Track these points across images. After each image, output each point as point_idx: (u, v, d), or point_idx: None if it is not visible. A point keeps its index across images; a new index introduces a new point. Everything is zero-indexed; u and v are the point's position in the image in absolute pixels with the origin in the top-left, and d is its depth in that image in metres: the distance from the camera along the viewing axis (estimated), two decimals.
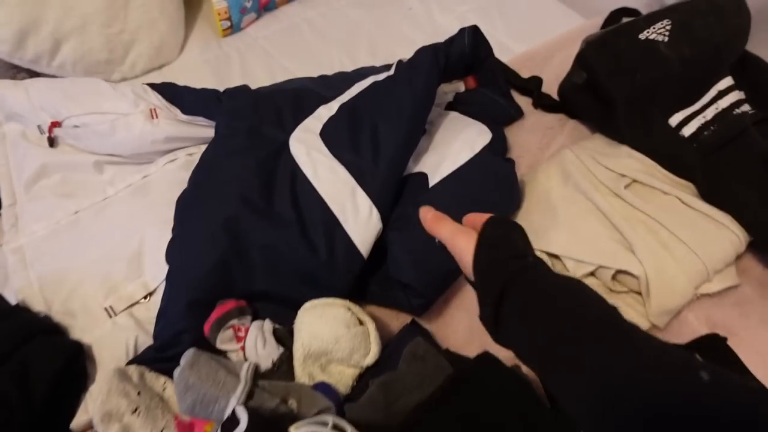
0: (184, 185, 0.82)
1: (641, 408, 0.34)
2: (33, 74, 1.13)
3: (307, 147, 0.77)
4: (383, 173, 0.74)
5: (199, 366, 0.61)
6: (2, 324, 0.67)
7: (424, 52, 0.87)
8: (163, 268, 0.74)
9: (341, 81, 0.90)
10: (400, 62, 0.89)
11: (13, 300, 0.75)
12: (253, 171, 0.74)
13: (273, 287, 0.71)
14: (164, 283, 0.74)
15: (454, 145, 0.82)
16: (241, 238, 0.70)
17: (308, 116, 0.82)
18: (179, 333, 0.67)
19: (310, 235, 0.72)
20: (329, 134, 0.79)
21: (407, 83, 0.82)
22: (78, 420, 0.68)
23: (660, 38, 0.89)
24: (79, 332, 0.72)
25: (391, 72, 0.88)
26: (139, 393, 0.62)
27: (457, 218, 0.54)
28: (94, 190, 0.88)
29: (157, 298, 0.74)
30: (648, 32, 0.90)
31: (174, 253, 0.70)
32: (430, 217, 0.54)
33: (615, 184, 0.83)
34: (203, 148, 0.91)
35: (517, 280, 0.44)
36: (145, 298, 0.75)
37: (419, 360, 0.64)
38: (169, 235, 0.75)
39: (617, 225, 0.78)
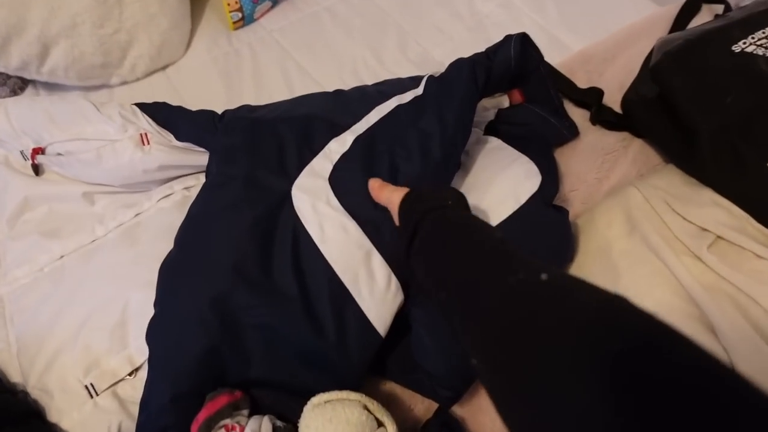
0: (165, 227, 0.71)
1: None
2: (25, 81, 1.02)
3: (313, 199, 0.64)
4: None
5: None
6: None
7: (459, 68, 0.71)
8: (138, 346, 0.64)
9: (359, 101, 0.75)
10: (430, 79, 0.73)
11: None
12: (249, 232, 0.61)
13: (273, 374, 0.60)
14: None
15: (494, 190, 0.67)
16: (233, 319, 0.58)
17: (316, 154, 0.68)
18: (166, 428, 0.57)
19: (316, 312, 0.60)
20: (340, 179, 0.66)
21: (436, 111, 0.67)
22: None
23: (760, 52, 0.70)
24: (56, 414, 0.63)
25: (419, 90, 0.73)
26: None
27: None
28: (83, 228, 0.77)
29: (144, 374, 0.64)
30: (744, 43, 0.72)
31: (156, 335, 0.59)
32: (376, 187, 0.62)
33: (695, 242, 0.67)
34: (202, 178, 0.80)
35: (427, 218, 0.51)
36: (130, 374, 0.65)
37: None
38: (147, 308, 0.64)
39: (696, 297, 0.63)
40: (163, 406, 0.57)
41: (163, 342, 0.59)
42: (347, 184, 0.65)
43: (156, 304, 0.61)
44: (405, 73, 0.94)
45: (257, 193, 0.64)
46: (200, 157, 0.78)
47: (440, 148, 0.65)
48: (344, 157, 0.68)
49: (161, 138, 0.78)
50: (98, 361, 0.65)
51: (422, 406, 0.66)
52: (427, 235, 0.51)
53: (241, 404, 0.59)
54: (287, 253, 0.61)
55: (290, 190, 0.65)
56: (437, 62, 1.03)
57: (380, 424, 0.58)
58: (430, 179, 0.65)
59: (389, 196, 0.60)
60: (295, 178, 0.66)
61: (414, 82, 0.78)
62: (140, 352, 0.65)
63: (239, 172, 0.66)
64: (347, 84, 0.89)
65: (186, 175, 0.81)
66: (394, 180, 0.65)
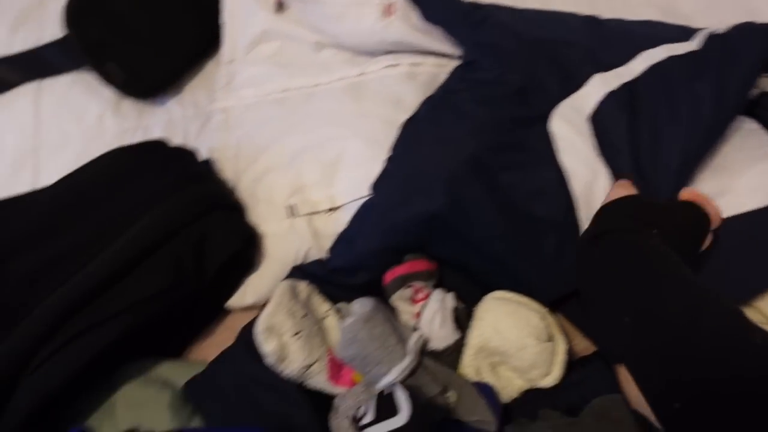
0: (401, 102, 0.72)
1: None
2: None
3: (572, 133, 0.62)
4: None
5: (373, 323, 0.55)
6: (193, 187, 0.65)
7: (750, 33, 0.65)
8: (356, 188, 0.67)
9: (622, 39, 0.71)
10: (713, 36, 0.67)
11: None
12: (502, 127, 0.61)
13: (476, 260, 0.61)
14: (352, 204, 0.67)
15: (746, 176, 0.63)
16: (465, 198, 0.59)
17: (578, 85, 0.65)
18: (358, 268, 0.61)
19: (541, 233, 0.60)
20: (601, 123, 0.63)
21: (716, 75, 0.62)
22: (233, 301, 0.67)
23: None
24: (256, 219, 0.69)
25: (694, 45, 0.68)
26: (304, 315, 0.58)
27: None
28: (308, 71, 0.81)
29: (340, 215, 0.68)
30: None
31: (385, 186, 0.62)
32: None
33: None
34: (429, 60, 0.80)
35: (619, 234, 0.47)
36: (327, 211, 0.69)
37: (610, 423, 0.53)
38: (372, 155, 0.67)
39: None
40: (369, 250, 0.61)
41: (391, 194, 0.61)
42: (608, 133, 0.62)
43: (392, 159, 0.64)
44: (647, 16, 0.86)
45: (523, 107, 0.63)
46: (436, 44, 0.78)
47: (711, 118, 0.61)
48: (608, 102, 0.65)
49: (406, 13, 0.78)
50: (304, 188, 0.70)
51: (582, 345, 0.66)
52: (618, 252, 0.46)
53: (434, 276, 0.62)
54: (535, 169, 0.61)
55: (548, 113, 0.64)
56: (683, 15, 0.92)
57: (550, 339, 0.60)
58: (692, 152, 0.61)
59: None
60: (555, 104, 0.64)
61: (682, 32, 0.72)
62: (343, 195, 0.69)
63: (514, 81, 0.64)
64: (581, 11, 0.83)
65: (415, 54, 0.82)
66: (655, 144, 0.61)
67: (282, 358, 0.56)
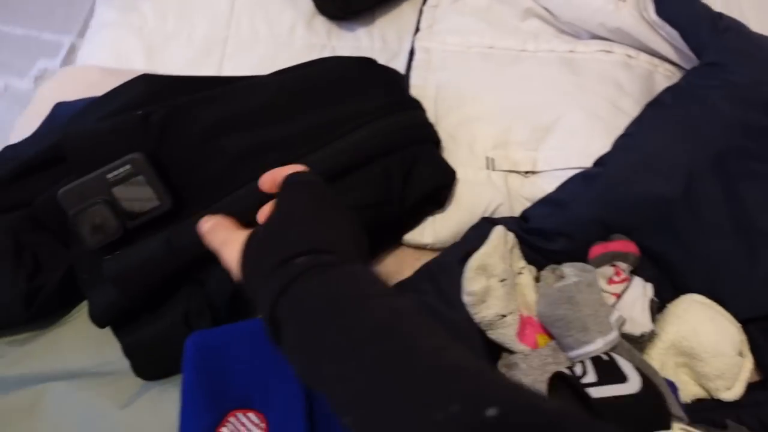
0: (621, 86, 0.71)
1: None
2: None
3: None
4: None
5: (593, 289, 0.54)
6: (411, 112, 0.65)
7: None
8: (564, 157, 0.66)
9: None
10: None
11: None
12: (753, 138, 0.59)
13: (681, 260, 0.60)
14: (553, 172, 0.67)
15: None
16: (701, 192, 0.58)
17: None
18: (562, 234, 0.60)
19: (761, 246, 0.58)
20: None
21: None
22: (411, 237, 0.66)
23: None
24: (454, 161, 0.68)
25: None
26: (509, 265, 0.57)
27: None
28: (514, 35, 0.80)
29: (538, 180, 0.67)
30: None
31: (618, 161, 0.61)
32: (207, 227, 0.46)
33: None
34: (642, 56, 0.77)
35: (298, 284, 0.35)
36: (526, 173, 0.68)
37: None
38: (592, 129, 0.66)
39: None
40: (581, 218, 0.60)
41: (625, 169, 0.60)
42: None
43: (630, 136, 0.63)
44: None
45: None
46: (659, 43, 0.77)
47: None
48: None
49: (641, 3, 0.76)
50: (507, 144, 0.69)
51: None
52: (301, 315, 0.34)
53: (637, 261, 0.61)
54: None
55: None
56: None
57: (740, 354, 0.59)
58: None
59: (221, 251, 0.43)
60: None
61: None
62: (545, 162, 0.68)
63: (762, 86, 0.62)
64: None
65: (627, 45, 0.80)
66: None
67: (482, 300, 0.56)
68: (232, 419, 0.48)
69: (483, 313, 0.56)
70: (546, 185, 0.67)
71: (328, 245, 0.38)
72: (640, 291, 0.58)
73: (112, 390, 0.52)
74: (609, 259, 0.59)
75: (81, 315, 0.58)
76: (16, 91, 1.63)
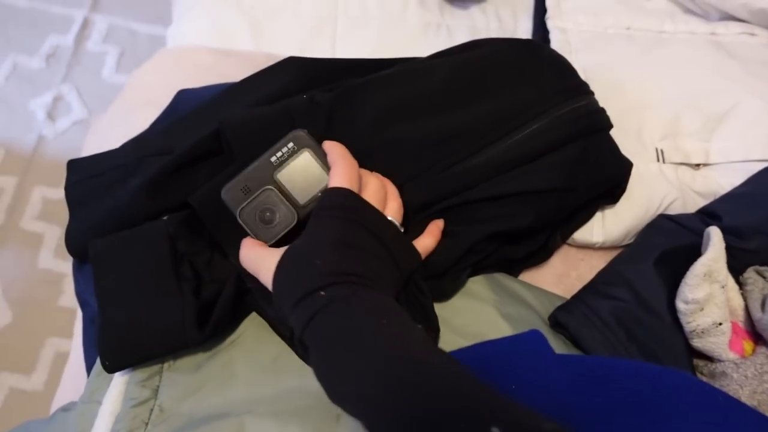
0: None
1: None
2: None
3: None
4: None
5: None
6: (589, 98, 0.59)
7: None
8: (741, 148, 0.62)
9: None
10: None
11: None
12: None
13: None
14: (728, 165, 0.62)
15: None
16: None
17: None
18: (758, 231, 0.56)
19: None
20: None
21: None
22: (578, 235, 0.61)
23: None
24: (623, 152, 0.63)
25: None
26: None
27: None
28: (647, 15, 0.75)
29: (711, 173, 0.63)
30: None
31: None
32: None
33: None
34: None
35: (307, 329, 0.38)
36: (697, 165, 0.64)
37: None
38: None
39: None
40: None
41: None
42: None
43: None
44: None
45: None
46: None
47: None
48: None
49: None
50: (677, 135, 0.64)
51: None
52: (323, 343, 0.38)
53: None
54: None
55: None
56: None
57: None
58: None
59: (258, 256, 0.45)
60: None
61: None
62: (721, 154, 0.63)
63: None
64: None
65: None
66: None
67: (700, 308, 0.51)
68: None
69: (699, 321, 0.52)
70: (722, 179, 0.62)
71: (351, 274, 0.40)
72: None
73: (311, 421, 0.45)
74: None
75: (249, 334, 0.50)
76: (25, 70, 1.48)
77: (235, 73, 0.62)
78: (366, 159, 0.52)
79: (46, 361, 1.17)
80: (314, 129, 0.50)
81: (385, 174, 0.52)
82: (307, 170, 0.48)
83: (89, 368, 0.55)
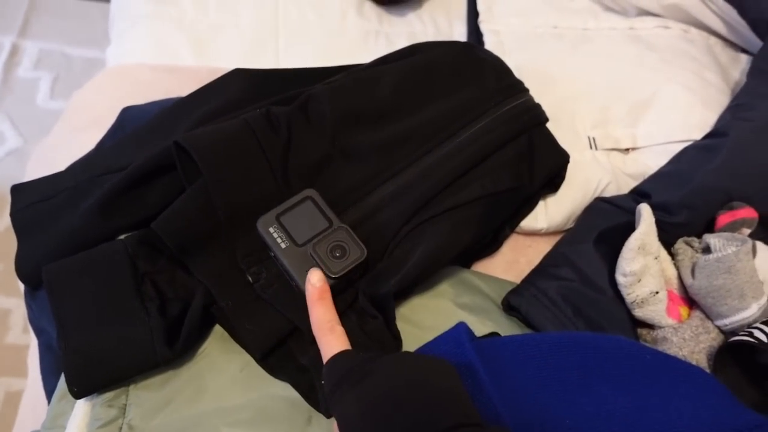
0: (696, 59, 0.74)
1: None
2: None
3: None
4: None
5: (749, 257, 0.55)
6: (525, 95, 0.63)
7: None
8: (664, 131, 0.68)
9: None
10: None
11: None
12: None
13: None
14: (654, 147, 0.68)
15: None
16: None
17: None
18: (684, 206, 0.61)
19: None
20: None
21: None
22: (525, 224, 0.65)
23: None
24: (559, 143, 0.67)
25: None
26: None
27: None
28: (572, 14, 0.81)
29: (640, 157, 0.68)
30: None
31: (744, 128, 0.62)
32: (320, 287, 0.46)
33: None
34: (692, 30, 0.80)
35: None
36: (626, 150, 0.69)
37: None
38: (688, 101, 0.68)
39: None
40: (716, 188, 0.60)
41: (748, 139, 0.61)
42: None
43: (744, 104, 0.65)
44: None
45: None
46: (711, 18, 0.78)
47: None
48: None
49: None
50: (607, 123, 0.69)
51: None
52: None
53: (754, 227, 0.63)
54: None
55: None
56: None
57: None
58: None
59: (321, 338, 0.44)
60: None
61: None
62: (647, 138, 0.69)
63: None
64: None
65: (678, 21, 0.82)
66: None
67: (638, 279, 0.55)
68: None
69: (637, 291, 0.56)
70: (649, 161, 0.67)
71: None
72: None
73: (284, 425, 0.46)
74: (738, 226, 0.60)
75: (213, 347, 0.51)
76: None
77: (180, 89, 0.62)
78: (326, 167, 0.53)
79: None
80: (276, 142, 0.51)
81: (347, 180, 0.53)
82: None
83: (49, 395, 0.54)
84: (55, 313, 0.47)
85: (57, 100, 1.45)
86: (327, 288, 0.46)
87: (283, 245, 0.49)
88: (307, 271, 0.47)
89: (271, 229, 0.49)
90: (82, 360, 0.45)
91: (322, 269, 0.47)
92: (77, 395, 0.45)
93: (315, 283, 0.46)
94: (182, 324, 0.48)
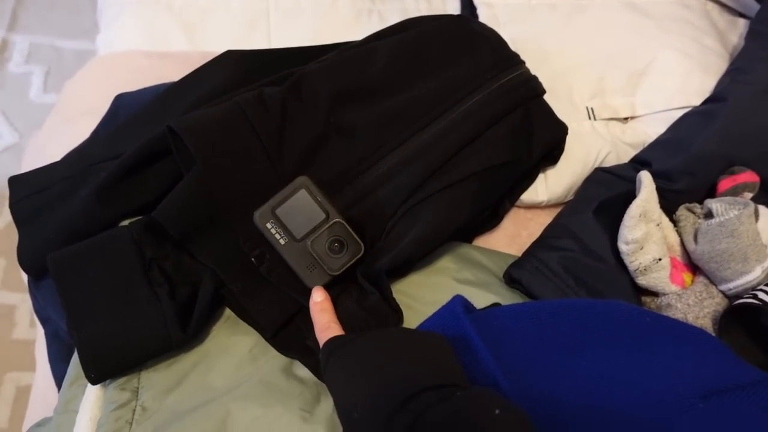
0: (693, 24, 0.74)
1: None
2: None
3: None
4: None
5: (751, 219, 0.55)
6: (521, 68, 0.62)
7: None
8: (663, 99, 0.67)
9: None
10: None
11: None
12: None
13: None
14: (653, 115, 0.67)
15: None
16: None
17: None
18: (685, 172, 0.61)
19: None
20: None
21: None
22: (525, 197, 0.65)
23: None
24: (558, 115, 0.66)
25: None
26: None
27: None
28: None
29: (639, 125, 0.68)
30: None
31: (743, 91, 0.61)
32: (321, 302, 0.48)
33: None
34: None
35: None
36: (625, 119, 0.68)
37: None
38: (686, 67, 0.68)
39: None
40: (716, 154, 0.60)
41: (748, 103, 0.61)
42: None
43: (742, 68, 0.64)
44: None
45: None
46: None
47: None
48: None
49: None
50: (604, 93, 0.69)
51: None
52: None
53: (756, 190, 0.63)
54: None
55: None
56: None
57: None
58: None
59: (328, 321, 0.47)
60: None
61: None
62: (645, 106, 0.68)
63: None
64: None
65: None
66: None
67: (640, 246, 0.55)
68: None
69: (640, 259, 0.56)
70: (648, 129, 0.67)
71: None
72: None
73: (294, 402, 0.47)
74: (740, 190, 0.60)
75: (221, 329, 0.51)
76: None
77: (172, 74, 0.62)
78: (321, 147, 0.53)
79: (8, 398, 1.13)
80: (269, 123, 0.51)
81: (343, 159, 0.53)
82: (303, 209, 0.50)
83: (58, 381, 0.54)
84: (63, 302, 0.47)
85: (50, 93, 1.43)
86: (328, 298, 0.49)
87: (282, 241, 0.49)
88: (307, 267, 0.49)
89: (269, 225, 0.49)
90: (97, 347, 0.46)
91: (322, 267, 0.49)
92: (94, 381, 0.46)
93: (317, 299, 0.48)
94: (191, 308, 0.48)
